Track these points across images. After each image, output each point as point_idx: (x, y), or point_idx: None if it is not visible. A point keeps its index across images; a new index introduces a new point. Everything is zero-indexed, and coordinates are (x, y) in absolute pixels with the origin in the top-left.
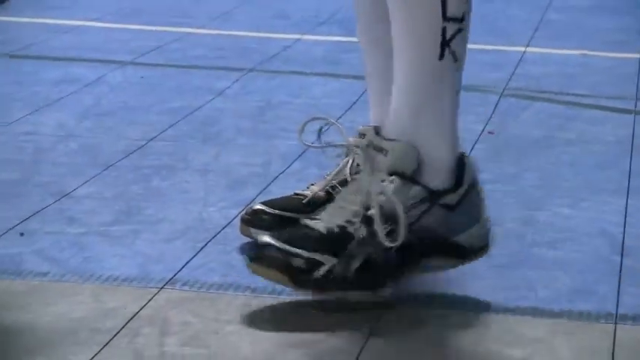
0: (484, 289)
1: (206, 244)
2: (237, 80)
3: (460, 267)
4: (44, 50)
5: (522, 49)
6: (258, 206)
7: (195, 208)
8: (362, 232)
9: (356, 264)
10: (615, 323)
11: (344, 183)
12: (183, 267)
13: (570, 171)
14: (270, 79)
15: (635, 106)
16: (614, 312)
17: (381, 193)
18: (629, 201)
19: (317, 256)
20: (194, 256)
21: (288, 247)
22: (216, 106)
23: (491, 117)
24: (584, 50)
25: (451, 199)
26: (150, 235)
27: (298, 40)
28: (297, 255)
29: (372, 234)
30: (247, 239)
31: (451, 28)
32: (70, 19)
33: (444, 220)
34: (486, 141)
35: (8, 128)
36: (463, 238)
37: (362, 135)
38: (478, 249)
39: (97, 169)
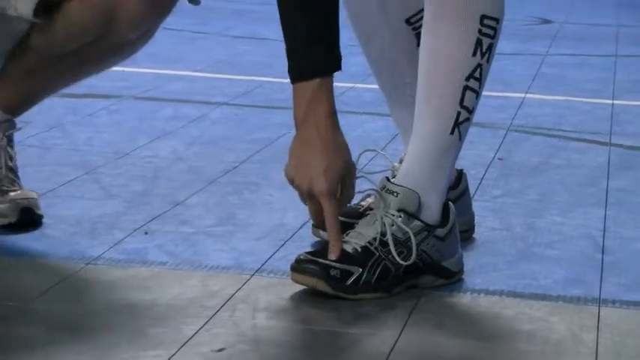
0: (500, 279)
1: (285, 242)
2: None
3: (454, 279)
4: (160, 94)
5: (523, 95)
6: None
7: (277, 215)
8: (379, 251)
9: (376, 273)
10: (599, 306)
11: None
12: (268, 259)
13: (561, 189)
14: None
15: (610, 140)
16: (598, 297)
17: (393, 224)
18: (607, 212)
19: (348, 268)
20: (276, 251)
21: (326, 262)
22: (292, 138)
23: (500, 147)
24: (569, 97)
25: (441, 232)
26: (243, 235)
27: (351, 87)
28: (333, 267)
29: (387, 252)
30: (317, 239)
31: (463, 115)
32: (179, 70)
33: (436, 247)
34: (497, 165)
35: (134, 153)
36: (449, 263)
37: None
38: (459, 271)
39: (202, 184)
